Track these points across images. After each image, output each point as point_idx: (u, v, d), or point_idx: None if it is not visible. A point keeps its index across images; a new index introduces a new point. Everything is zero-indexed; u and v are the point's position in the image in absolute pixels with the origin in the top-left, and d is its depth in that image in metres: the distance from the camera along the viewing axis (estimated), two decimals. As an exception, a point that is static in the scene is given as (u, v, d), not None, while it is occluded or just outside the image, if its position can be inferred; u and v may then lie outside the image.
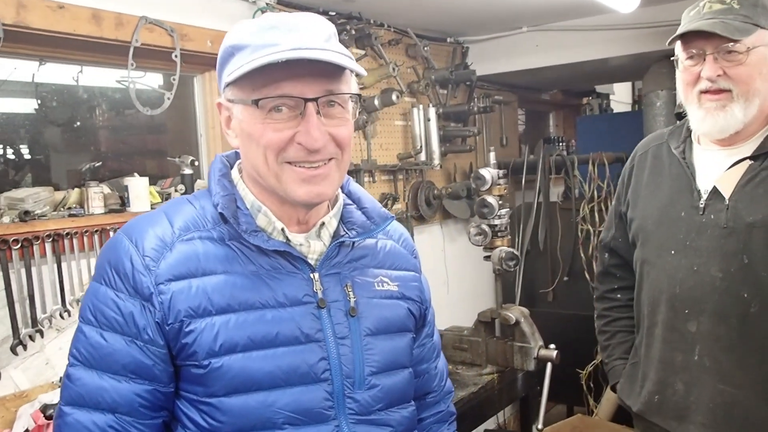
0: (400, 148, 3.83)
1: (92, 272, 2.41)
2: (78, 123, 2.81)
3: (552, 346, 2.58)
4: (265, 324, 1.15)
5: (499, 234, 2.61)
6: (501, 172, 2.62)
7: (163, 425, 1.19)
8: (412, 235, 3.76)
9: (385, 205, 3.64)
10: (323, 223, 1.26)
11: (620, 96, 6.34)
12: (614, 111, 6.19)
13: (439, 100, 4.05)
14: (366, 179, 3.56)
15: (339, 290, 1.23)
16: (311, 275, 1.22)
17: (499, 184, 2.60)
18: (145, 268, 1.13)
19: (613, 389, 1.99)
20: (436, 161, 3.89)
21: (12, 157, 2.63)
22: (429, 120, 3.85)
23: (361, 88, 3.52)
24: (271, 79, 1.11)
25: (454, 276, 4.20)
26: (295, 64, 1.08)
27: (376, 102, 3.43)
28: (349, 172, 3.48)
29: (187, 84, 3.01)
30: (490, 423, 4.18)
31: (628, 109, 6.52)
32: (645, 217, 1.86)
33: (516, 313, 2.63)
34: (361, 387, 1.22)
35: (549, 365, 2.56)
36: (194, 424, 1.16)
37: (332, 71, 1.13)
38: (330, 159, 1.17)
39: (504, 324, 2.64)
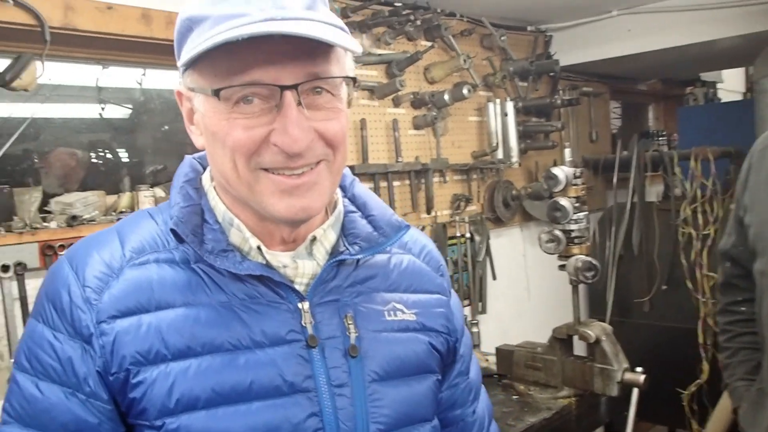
0: (474, 145, 3.56)
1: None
2: (166, 126, 2.81)
3: (639, 369, 2.26)
4: (236, 371, 0.91)
5: (575, 241, 2.31)
6: (578, 170, 2.31)
7: None
8: (487, 239, 3.49)
9: (457, 207, 3.39)
10: (314, 238, 1.01)
11: (730, 84, 5.77)
12: (722, 101, 5.64)
13: (518, 94, 3.75)
14: (436, 180, 3.32)
15: (336, 323, 0.98)
16: (299, 305, 0.97)
17: (575, 185, 2.30)
18: (85, 302, 0.91)
19: (734, 412, 1.78)
20: (515, 159, 3.60)
21: (110, 157, 2.68)
22: (506, 115, 3.56)
23: (430, 83, 3.29)
24: (238, 61, 0.86)
25: (535, 284, 3.89)
26: (268, 41, 0.84)
27: (446, 97, 3.19)
28: (417, 172, 3.30)
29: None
30: None
31: (740, 98, 5.93)
32: (764, 222, 1.64)
33: (596, 330, 2.33)
34: None
35: (635, 392, 2.24)
36: None
37: (317, 49, 0.87)
38: (318, 162, 0.92)
39: (585, 341, 2.34)
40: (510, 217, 3.71)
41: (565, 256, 2.33)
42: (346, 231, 1.04)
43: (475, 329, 3.32)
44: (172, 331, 0.91)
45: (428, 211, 3.23)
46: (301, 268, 0.99)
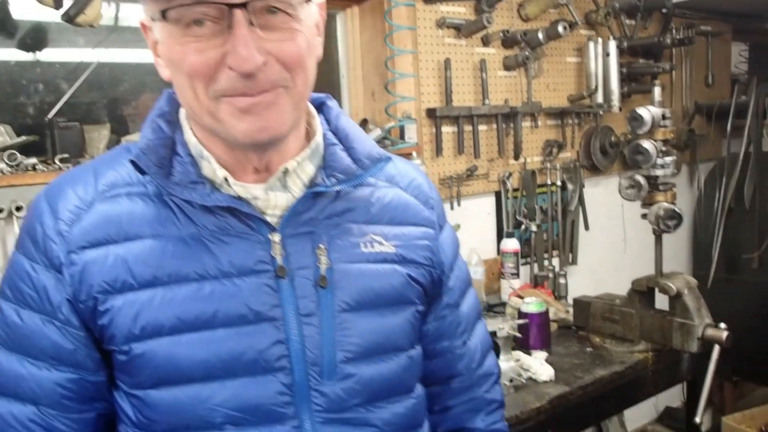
0: (571, 88, 3.39)
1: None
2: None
3: (722, 325, 2.11)
4: (201, 300, 0.93)
5: (660, 187, 2.16)
6: (666, 111, 2.14)
7: (102, 418, 1.00)
8: (581, 187, 3.34)
9: (549, 154, 3.26)
10: (287, 170, 1.00)
11: None
12: None
13: (624, 33, 3.52)
14: (527, 124, 3.20)
15: (308, 254, 0.98)
16: (270, 236, 0.97)
17: (664, 127, 2.14)
18: (57, 234, 0.94)
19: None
20: (615, 103, 3.41)
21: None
22: (608, 55, 3.37)
23: (524, 20, 3.14)
24: None
25: (633, 236, 3.70)
26: None
27: (541, 36, 3.04)
28: (505, 116, 3.19)
29: (328, 22, 2.86)
30: (642, 409, 3.68)
31: None
32: None
33: (679, 283, 2.18)
34: (332, 377, 0.97)
35: (716, 348, 2.09)
36: (128, 419, 0.98)
37: None
38: (276, 87, 0.90)
39: (664, 295, 2.21)
40: (608, 165, 3.53)
41: (648, 203, 2.19)
42: (326, 164, 1.03)
43: (562, 281, 3.22)
44: (138, 262, 0.93)
45: (516, 157, 3.13)
46: (273, 199, 0.99)
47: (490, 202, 3.19)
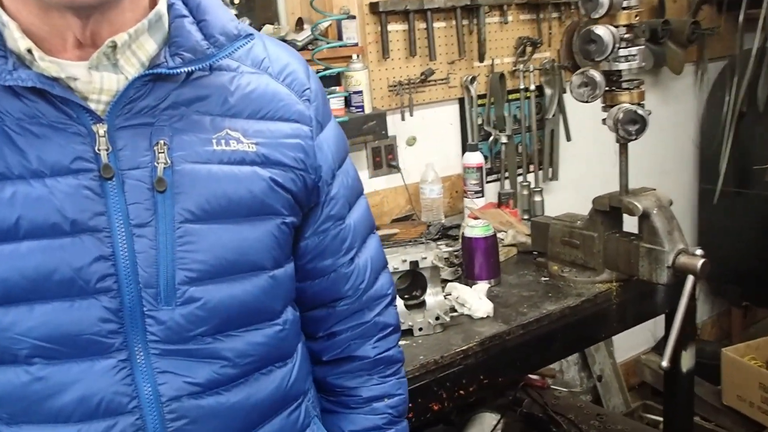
0: (549, -24, 2.93)
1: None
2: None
3: (698, 251, 1.74)
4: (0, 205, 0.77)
5: (623, 85, 1.76)
6: (632, -11, 1.72)
7: None
8: (561, 91, 2.93)
9: (522, 54, 2.84)
10: (116, 44, 0.80)
11: None
12: None
13: None
14: (495, 20, 2.76)
15: (143, 151, 0.82)
16: (93, 128, 0.80)
17: (627, 8, 1.72)
18: None
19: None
20: (602, -7, 2.93)
21: None
22: (593, -65, 2.87)
23: None
24: None
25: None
26: None
27: None
28: (466, 10, 2.75)
29: None
30: (637, 336, 3.34)
31: None
32: None
33: (648, 201, 1.81)
34: (171, 302, 0.83)
35: (690, 279, 1.74)
36: None
37: None
38: None
39: (630, 215, 1.85)
40: (594, 65, 3.09)
41: (608, 105, 1.79)
42: (170, 40, 0.86)
43: (537, 198, 2.86)
44: None
45: (481, 59, 2.71)
46: (98, 81, 0.81)
47: (453, 110, 2.80)
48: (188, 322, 0.85)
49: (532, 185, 2.92)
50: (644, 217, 1.82)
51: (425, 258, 1.69)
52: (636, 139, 1.75)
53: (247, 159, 0.88)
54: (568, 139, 3.01)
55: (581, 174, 3.15)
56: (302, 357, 1.01)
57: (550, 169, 3.07)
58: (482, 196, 2.67)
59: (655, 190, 1.89)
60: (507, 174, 2.92)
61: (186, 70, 0.84)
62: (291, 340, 0.98)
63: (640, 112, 1.71)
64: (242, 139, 0.88)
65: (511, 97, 2.87)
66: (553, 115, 2.97)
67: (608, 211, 1.91)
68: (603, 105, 1.82)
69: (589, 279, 1.96)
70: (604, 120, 1.81)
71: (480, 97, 2.81)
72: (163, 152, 0.83)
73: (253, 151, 0.89)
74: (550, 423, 2.39)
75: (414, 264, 1.70)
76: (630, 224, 1.95)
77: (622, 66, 1.75)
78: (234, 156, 0.87)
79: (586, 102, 1.76)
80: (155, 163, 0.83)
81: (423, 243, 1.75)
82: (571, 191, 3.11)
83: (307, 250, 1.01)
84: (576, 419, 2.49)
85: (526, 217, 2.87)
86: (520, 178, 2.93)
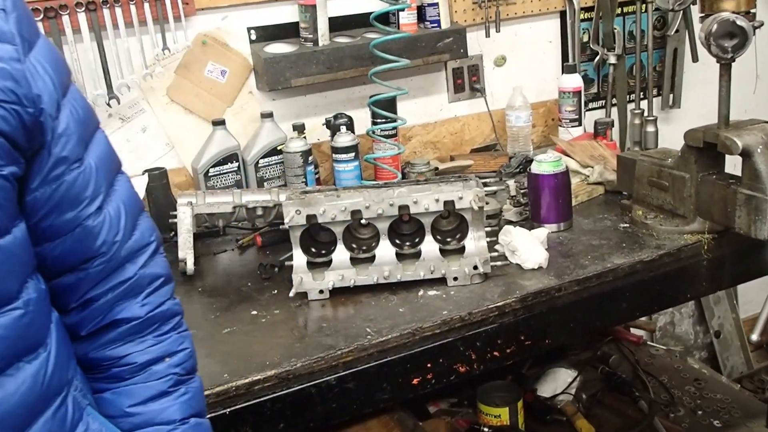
0: None
1: (144, 52, 1.98)
2: None
3: (813, 202, 1.39)
4: None
5: (728, -12, 1.39)
6: None
7: None
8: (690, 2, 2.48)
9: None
10: None
11: None
12: None
13: None
14: None
15: None
16: None
17: None
18: None
19: None
20: None
21: None
22: None
23: None
24: None
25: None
26: None
27: None
28: None
29: None
30: (722, 301, 2.86)
31: None
32: None
33: (752, 137, 1.45)
34: None
35: (797, 236, 1.39)
36: None
37: None
38: None
39: (727, 154, 1.50)
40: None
41: (707, 14, 1.43)
42: None
43: (651, 128, 2.47)
44: None
45: (585, -38, 2.33)
46: None
47: (552, 25, 2.46)
48: None
49: (646, 114, 2.54)
50: (745, 157, 1.47)
51: (461, 198, 1.47)
52: (733, 58, 1.39)
53: None
54: (695, 59, 2.56)
55: (709, 102, 2.69)
56: (58, 340, 0.82)
57: (671, 95, 2.65)
58: (579, 126, 2.34)
59: (764, 123, 1.52)
60: (615, 100, 2.55)
61: None
62: (39, 324, 0.79)
63: (740, 23, 1.34)
64: None
65: (624, 9, 2.47)
66: (677, 31, 2.53)
67: (703, 147, 1.57)
68: (701, 15, 1.46)
69: (677, 228, 1.64)
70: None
71: (586, 9, 2.43)
72: None
73: None
74: (634, 385, 2.11)
75: (449, 204, 1.48)
76: (734, 165, 1.60)
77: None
78: None
79: (669, 10, 1.41)
80: None
81: (463, 180, 1.51)
82: (695, 122, 2.66)
83: (38, 204, 0.81)
84: (669, 383, 2.19)
85: (636, 149, 2.51)
86: (631, 105, 2.54)
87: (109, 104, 1.91)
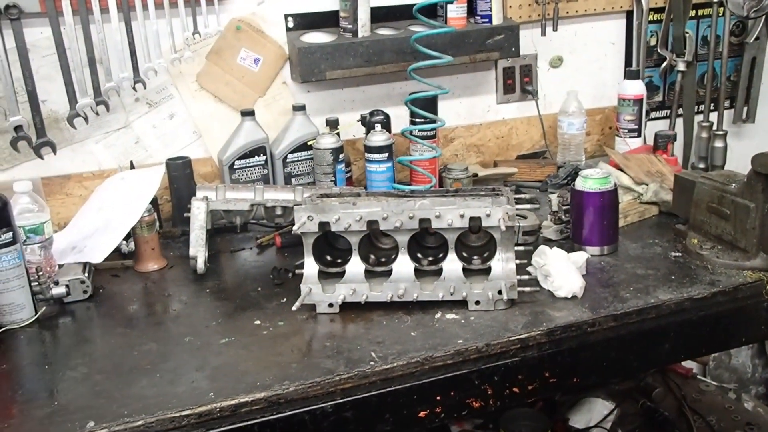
0: None
1: (173, 35, 1.89)
2: None
3: None
4: None
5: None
6: None
7: None
8: (773, 8, 2.26)
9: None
10: None
11: None
12: None
13: None
14: None
15: None
16: None
17: None
18: None
19: None
20: None
21: None
22: None
23: None
24: None
25: None
26: None
27: None
28: None
29: None
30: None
31: None
32: None
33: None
34: None
35: None
36: None
37: None
38: None
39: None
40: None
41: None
42: None
43: (719, 143, 2.27)
44: None
45: (659, -41, 2.13)
46: None
47: (617, 26, 2.27)
48: None
49: (715, 127, 2.33)
50: (824, 190, 1.28)
51: (489, 215, 1.32)
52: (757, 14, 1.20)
53: None
54: (775, 70, 2.33)
55: (788, 117, 2.47)
56: None
57: (745, 109, 2.42)
58: (638, 137, 2.15)
59: None
60: (681, 111, 2.34)
61: None
62: None
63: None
64: None
65: (698, 12, 2.26)
66: (757, 39, 2.30)
67: (774, 175, 1.38)
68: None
69: (735, 263, 1.46)
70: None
71: (655, 10, 2.23)
72: None
73: None
74: (677, 425, 1.93)
75: (475, 221, 1.34)
76: (808, 196, 1.40)
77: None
78: None
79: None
80: None
81: (494, 195, 1.37)
82: (772, 139, 2.45)
83: None
84: (717, 425, 2.00)
85: (702, 166, 2.31)
86: (699, 117, 2.33)
87: (134, 88, 1.83)
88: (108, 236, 1.63)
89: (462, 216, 1.33)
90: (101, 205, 1.77)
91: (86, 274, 1.51)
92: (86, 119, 1.81)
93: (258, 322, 1.38)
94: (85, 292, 1.50)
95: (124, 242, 1.66)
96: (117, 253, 1.64)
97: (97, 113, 1.82)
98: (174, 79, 1.91)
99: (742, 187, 1.46)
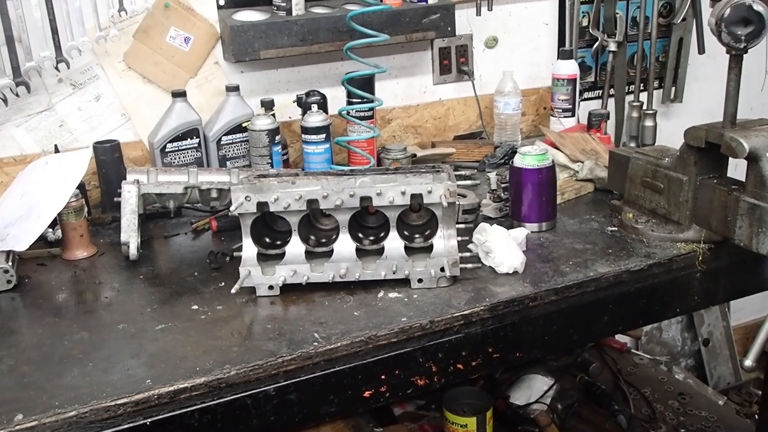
0: None
1: (98, 12, 1.81)
2: None
3: (824, 214, 1.24)
4: None
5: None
6: None
7: None
8: (698, -10, 2.32)
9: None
10: None
11: None
12: None
13: None
14: None
15: None
16: None
17: None
18: None
19: None
20: None
21: None
22: None
23: None
24: None
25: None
26: None
27: None
28: None
29: None
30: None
31: None
32: None
33: (760, 139, 1.30)
34: None
35: (804, 253, 1.25)
36: None
37: None
38: None
39: (732, 157, 1.35)
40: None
41: (717, -1, 1.27)
42: None
43: (649, 122, 2.32)
44: None
45: (590, -60, 2.16)
46: None
47: (550, 6, 2.29)
48: None
49: (645, 107, 2.38)
50: (752, 161, 1.32)
51: (431, 192, 1.31)
52: (746, 48, 1.24)
53: None
54: (701, 51, 2.40)
55: (713, 98, 2.54)
56: None
57: (673, 89, 2.49)
58: (572, 116, 2.18)
59: (773, 122, 1.37)
60: (612, 91, 2.39)
61: None
62: None
63: (757, 7, 1.19)
64: None
65: (627, -7, 2.31)
66: (684, 20, 2.37)
67: (704, 148, 1.41)
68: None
69: (669, 235, 1.49)
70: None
71: (586, -9, 2.27)
72: None
73: None
74: (613, 397, 1.98)
75: (417, 198, 1.32)
76: (735, 167, 1.45)
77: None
78: None
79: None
80: None
81: (435, 172, 1.36)
82: (698, 118, 2.51)
83: None
84: (651, 396, 2.06)
85: (632, 145, 2.36)
86: (629, 97, 2.39)
87: (57, 68, 1.74)
88: (32, 223, 1.54)
89: (403, 193, 1.32)
90: (24, 191, 1.68)
91: (10, 263, 1.43)
92: (5, 101, 1.71)
93: (195, 307, 1.33)
94: (9, 281, 1.42)
95: (50, 230, 1.59)
96: (43, 241, 1.57)
97: (17, 95, 1.72)
98: (99, 58, 1.82)
99: (675, 161, 1.50)
